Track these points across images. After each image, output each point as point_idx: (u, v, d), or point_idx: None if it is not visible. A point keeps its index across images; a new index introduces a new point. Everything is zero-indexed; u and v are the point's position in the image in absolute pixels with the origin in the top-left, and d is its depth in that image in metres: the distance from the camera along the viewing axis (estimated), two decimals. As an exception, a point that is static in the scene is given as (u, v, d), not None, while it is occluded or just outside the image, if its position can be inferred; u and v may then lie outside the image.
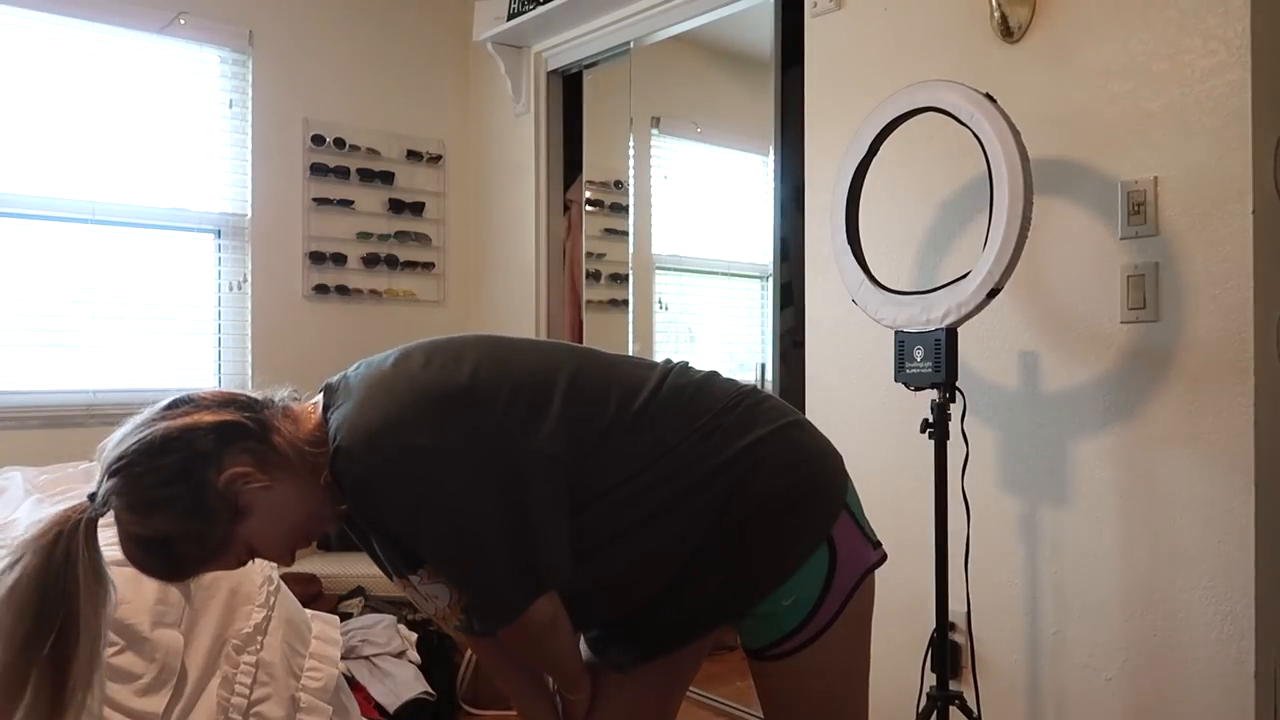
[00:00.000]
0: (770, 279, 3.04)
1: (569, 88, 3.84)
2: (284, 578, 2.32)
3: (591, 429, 1.19)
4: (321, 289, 3.80)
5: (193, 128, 3.56)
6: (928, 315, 1.94)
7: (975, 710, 2.07)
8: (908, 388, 2.02)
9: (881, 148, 2.11)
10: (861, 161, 2.11)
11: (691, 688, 3.10)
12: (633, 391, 1.24)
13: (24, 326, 3.25)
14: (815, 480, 1.27)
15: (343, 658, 2.41)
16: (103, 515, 1.17)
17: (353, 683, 2.62)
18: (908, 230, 2.44)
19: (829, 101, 2.65)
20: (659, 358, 3.50)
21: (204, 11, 3.54)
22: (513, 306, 3.96)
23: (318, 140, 3.78)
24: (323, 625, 2.18)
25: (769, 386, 3.04)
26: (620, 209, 3.63)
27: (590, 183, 3.78)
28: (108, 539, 1.96)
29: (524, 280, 3.90)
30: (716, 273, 3.52)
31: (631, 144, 3.51)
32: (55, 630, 1.12)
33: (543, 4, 3.46)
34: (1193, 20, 1.93)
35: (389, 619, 2.93)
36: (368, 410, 1.15)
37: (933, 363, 1.94)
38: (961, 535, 2.18)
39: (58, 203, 3.29)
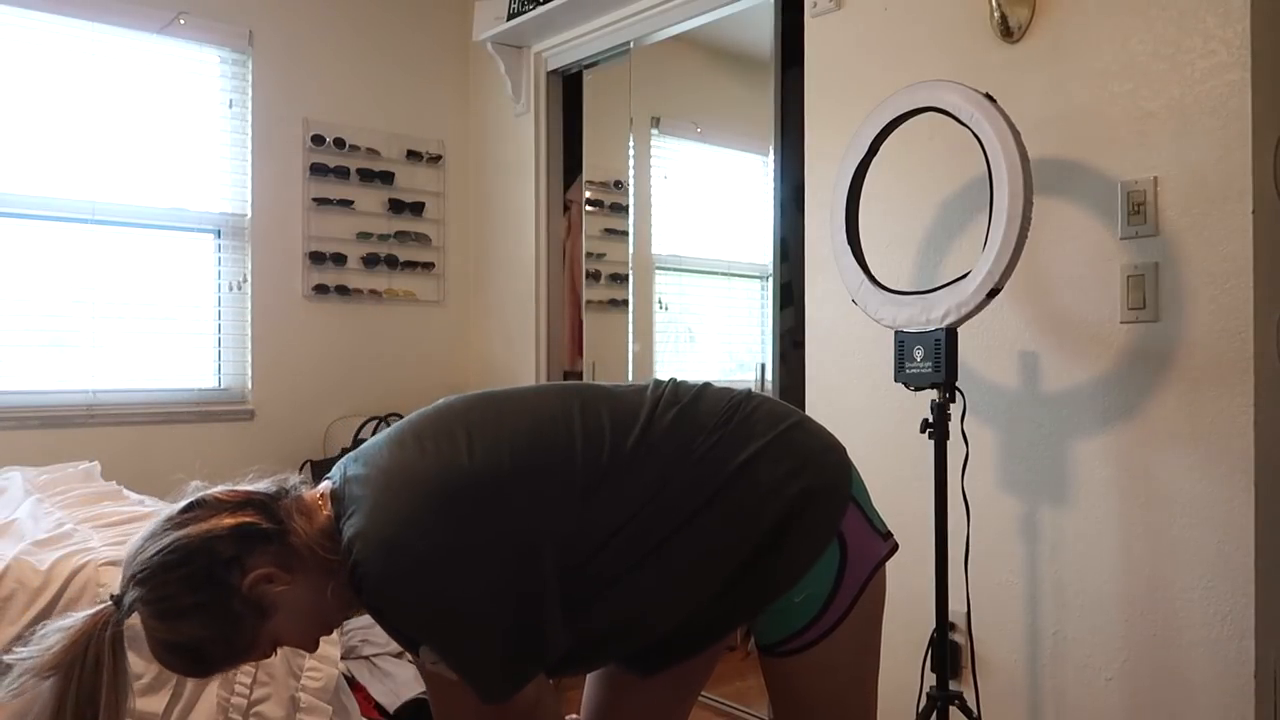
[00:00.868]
0: (770, 279, 3.04)
1: (569, 88, 3.84)
2: (284, 578, 2.32)
3: (593, 475, 1.19)
4: (321, 289, 3.80)
5: (192, 128, 3.56)
6: (928, 315, 1.94)
7: (975, 710, 2.07)
8: (907, 388, 2.02)
9: (881, 148, 2.11)
10: (861, 161, 2.11)
11: (691, 688, 3.10)
12: (627, 426, 1.23)
13: (24, 326, 3.25)
14: (818, 481, 1.27)
15: (342, 658, 2.41)
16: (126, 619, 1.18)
17: (352, 683, 2.62)
18: (908, 230, 2.44)
19: (829, 101, 2.65)
20: (659, 358, 3.52)
21: (204, 11, 3.54)
22: (512, 306, 3.96)
23: (318, 140, 3.78)
24: (322, 625, 2.17)
25: (769, 387, 3.04)
26: (620, 209, 3.63)
27: (590, 183, 3.78)
28: (108, 539, 1.96)
29: (524, 280, 3.90)
30: (716, 273, 3.52)
31: (631, 144, 3.51)
32: None
33: (543, 4, 3.46)
34: (1192, 20, 1.93)
35: (389, 619, 2.93)
36: (379, 521, 1.15)
37: (932, 363, 1.94)
38: (961, 535, 2.18)
39: (58, 203, 3.29)
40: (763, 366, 3.10)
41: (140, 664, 1.85)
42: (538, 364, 3.84)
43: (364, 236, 3.90)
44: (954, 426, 2.05)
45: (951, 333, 1.93)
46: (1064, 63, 2.13)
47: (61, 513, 2.24)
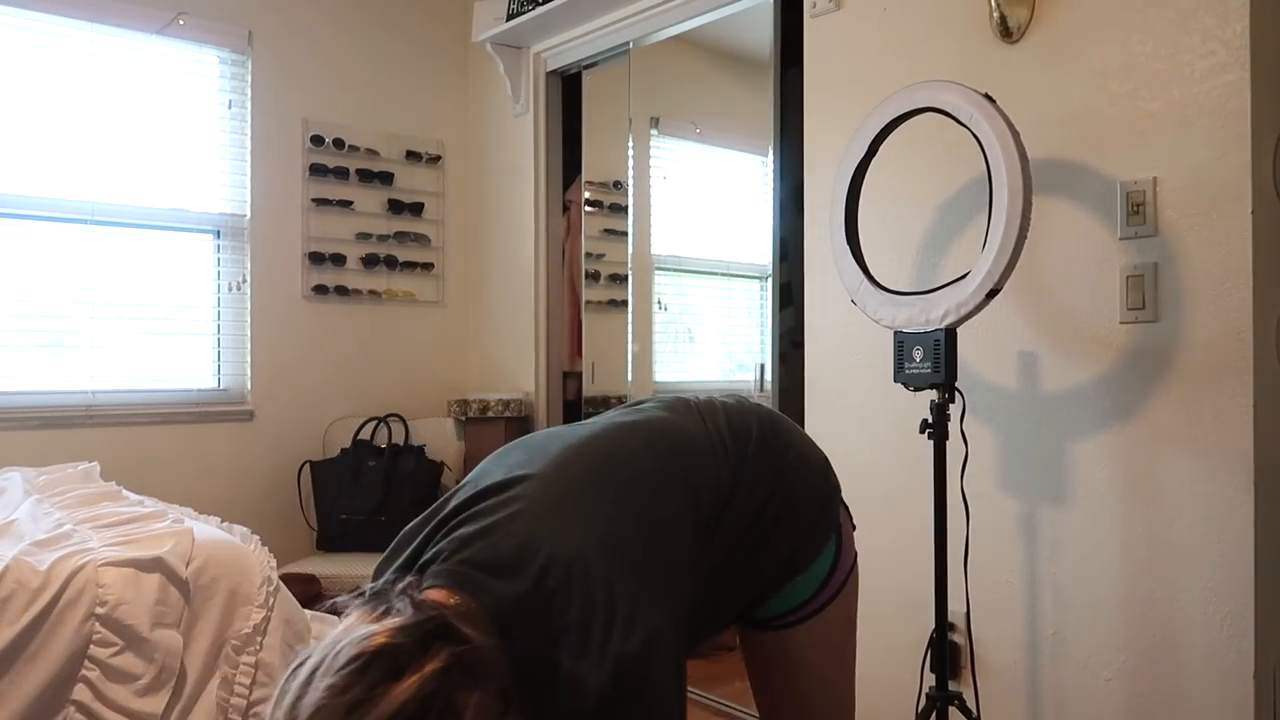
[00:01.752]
0: (769, 279, 3.04)
1: (568, 88, 3.84)
2: (283, 578, 2.32)
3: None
4: (321, 289, 3.80)
5: (192, 128, 3.56)
6: (927, 315, 1.94)
7: (975, 711, 2.07)
8: (907, 388, 2.02)
9: (881, 148, 2.11)
10: (861, 162, 2.11)
11: (691, 688, 3.10)
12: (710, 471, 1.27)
13: (24, 327, 3.25)
14: (834, 476, 1.41)
15: (342, 658, 2.40)
16: None
17: (352, 683, 2.61)
18: (907, 230, 2.44)
19: (828, 102, 2.65)
20: (658, 358, 3.52)
21: (203, 12, 3.54)
22: (512, 307, 3.96)
23: (317, 141, 3.78)
24: (322, 626, 2.17)
25: (768, 387, 3.04)
26: (619, 209, 3.63)
27: (589, 183, 3.78)
28: (108, 540, 1.96)
29: (523, 281, 3.90)
30: (716, 273, 3.52)
31: (631, 144, 3.51)
32: None
33: (542, 4, 3.46)
34: (1192, 21, 1.93)
35: (388, 619, 2.93)
36: (621, 631, 1.02)
37: (932, 363, 1.94)
38: (961, 535, 2.18)
39: (57, 203, 3.29)
40: (762, 367, 3.10)
41: (140, 664, 1.85)
42: (537, 364, 3.84)
43: (363, 237, 3.90)
44: (953, 427, 2.05)
45: (951, 333, 1.93)
46: (1063, 63, 2.13)
47: (61, 513, 2.24)
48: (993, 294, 1.85)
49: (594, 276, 3.77)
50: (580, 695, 1.01)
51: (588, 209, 3.78)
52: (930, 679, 2.04)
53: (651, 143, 3.54)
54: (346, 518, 3.53)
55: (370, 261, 3.91)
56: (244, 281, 3.66)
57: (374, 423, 3.73)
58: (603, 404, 3.70)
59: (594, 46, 3.56)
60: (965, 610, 2.16)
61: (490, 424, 3.66)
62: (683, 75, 3.50)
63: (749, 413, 1.36)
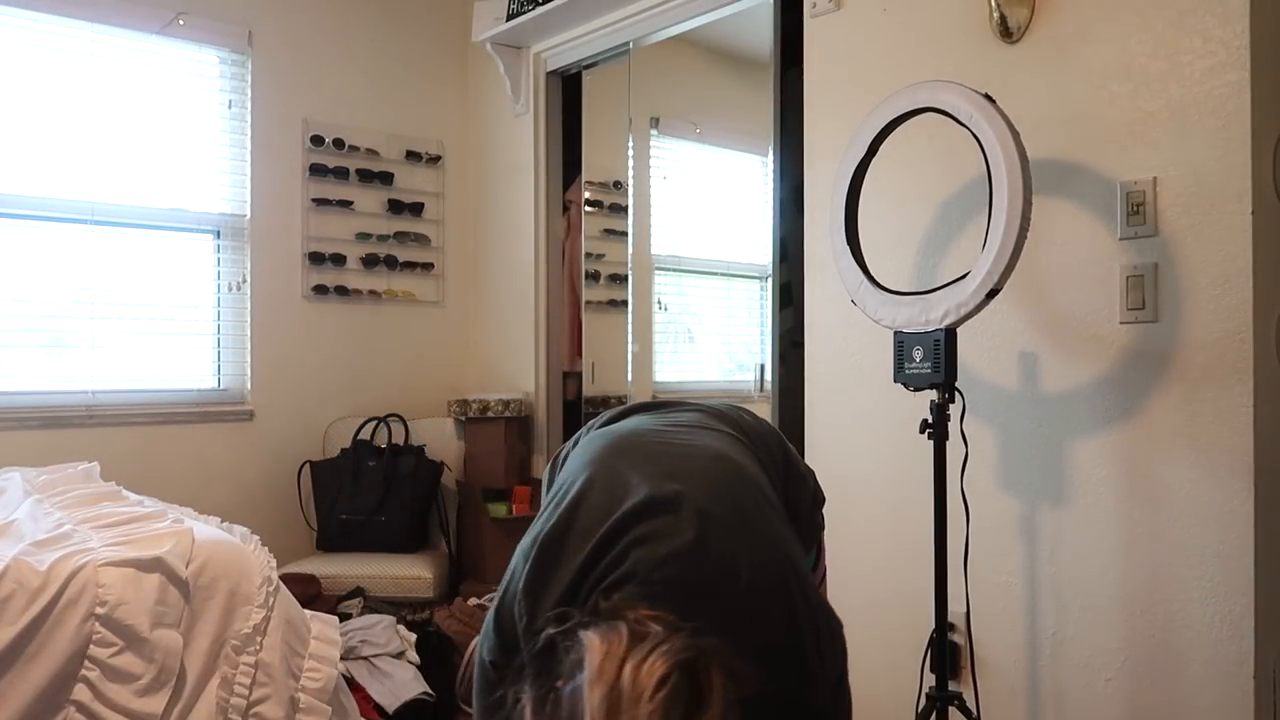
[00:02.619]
0: (769, 279, 3.04)
1: (568, 88, 3.84)
2: (283, 578, 2.33)
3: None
4: (321, 289, 3.80)
5: (192, 128, 3.56)
6: (927, 316, 1.94)
7: (974, 711, 2.07)
8: (907, 388, 2.02)
9: (881, 148, 2.11)
10: (861, 162, 2.11)
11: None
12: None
13: (24, 327, 3.25)
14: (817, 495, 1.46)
15: (342, 658, 2.41)
16: None
17: (352, 683, 2.62)
18: (907, 231, 2.44)
19: (828, 102, 2.65)
20: (658, 358, 3.52)
21: (203, 12, 3.54)
22: (512, 307, 3.96)
23: (317, 141, 3.78)
24: (322, 626, 2.17)
25: (768, 387, 3.04)
26: (619, 209, 3.63)
27: (589, 183, 3.78)
28: (108, 540, 1.96)
29: (523, 281, 3.90)
30: (716, 273, 3.52)
31: (631, 144, 3.51)
32: None
33: (542, 4, 3.46)
34: (1192, 21, 1.93)
35: (388, 619, 2.94)
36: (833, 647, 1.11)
37: (932, 363, 1.94)
38: (961, 536, 2.18)
39: (57, 203, 3.29)
40: (762, 367, 3.10)
41: (139, 664, 1.85)
42: (537, 364, 3.84)
43: (363, 237, 3.90)
44: (953, 427, 2.05)
45: (951, 333, 1.93)
46: (1063, 63, 2.13)
47: (61, 513, 2.24)
48: (993, 294, 1.85)
49: (594, 276, 3.77)
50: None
51: (588, 209, 3.78)
52: (930, 679, 2.04)
53: (651, 143, 3.54)
54: (346, 518, 3.53)
55: (370, 261, 3.91)
56: (244, 281, 3.66)
57: (374, 423, 3.73)
58: (602, 404, 3.70)
59: (594, 46, 3.56)
60: (965, 610, 2.16)
61: (490, 424, 3.66)
62: (683, 75, 3.50)
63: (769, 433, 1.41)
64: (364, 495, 3.54)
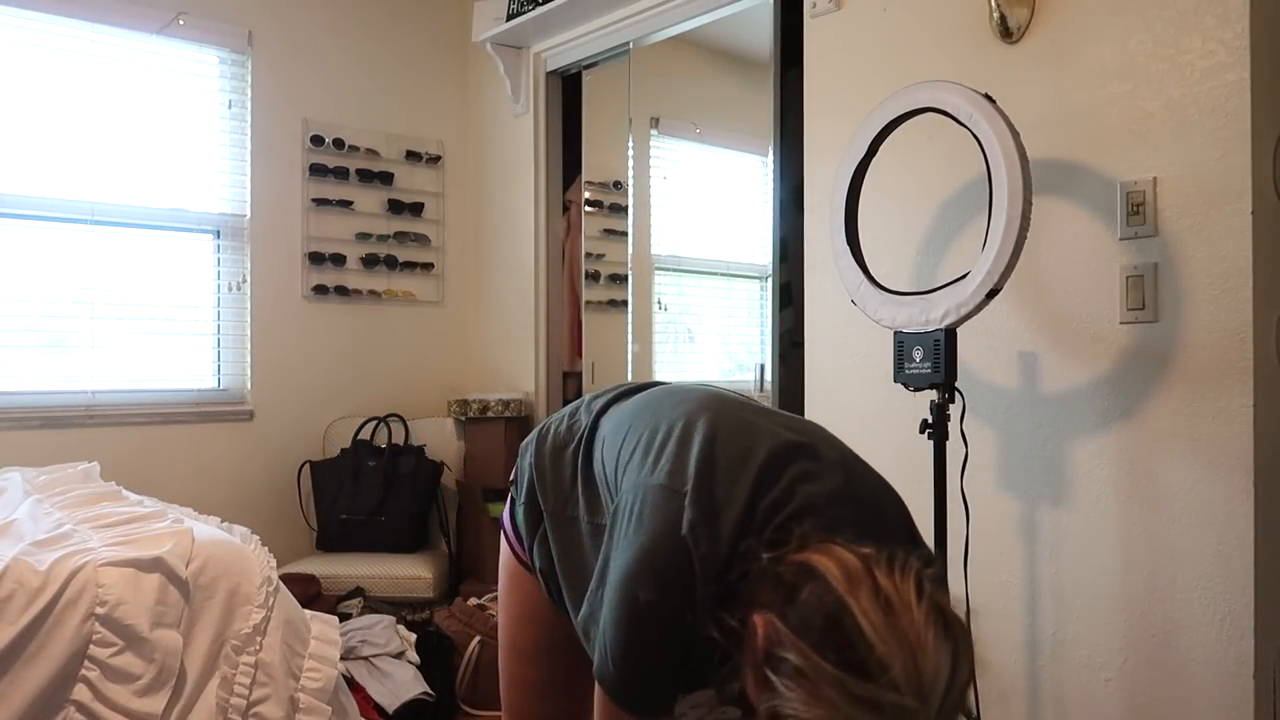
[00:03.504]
0: (769, 279, 3.04)
1: (568, 88, 3.84)
2: (283, 578, 2.33)
3: None
4: (320, 289, 3.80)
5: (192, 128, 3.56)
6: (927, 316, 1.94)
7: (974, 711, 2.07)
8: (907, 388, 2.02)
9: (881, 148, 2.11)
10: (861, 162, 2.11)
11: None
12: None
13: (24, 327, 3.25)
14: None
15: (342, 658, 2.41)
16: None
17: (352, 683, 2.62)
18: (907, 231, 2.44)
19: (828, 102, 2.65)
20: (658, 358, 3.52)
21: (203, 12, 3.54)
22: (512, 307, 3.96)
23: (317, 141, 3.78)
24: (322, 626, 2.17)
25: (768, 387, 3.04)
26: (619, 209, 3.63)
27: (589, 183, 3.78)
28: (108, 540, 1.96)
29: (523, 281, 3.90)
30: (716, 273, 3.52)
31: (631, 144, 3.51)
32: None
33: (542, 4, 3.46)
34: (1192, 21, 1.93)
35: (388, 619, 2.94)
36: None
37: (932, 363, 1.94)
38: (961, 536, 2.18)
39: (57, 203, 3.29)
40: (762, 367, 3.10)
41: (139, 664, 1.85)
42: (537, 364, 3.84)
43: (363, 237, 3.90)
44: (953, 427, 2.05)
45: (951, 333, 1.93)
46: (1063, 63, 2.13)
47: (61, 513, 2.24)
48: (993, 294, 1.85)
49: (594, 276, 3.77)
50: None
51: (588, 209, 3.78)
52: (930, 679, 2.03)
53: (651, 143, 3.54)
54: (346, 518, 3.53)
55: (370, 261, 3.91)
56: (244, 281, 3.66)
57: (374, 423, 3.73)
58: (603, 404, 3.69)
59: (594, 46, 3.56)
60: (965, 610, 2.16)
61: (490, 424, 3.66)
62: (683, 75, 3.50)
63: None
64: (364, 495, 3.54)
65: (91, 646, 1.83)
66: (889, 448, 2.47)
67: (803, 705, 0.91)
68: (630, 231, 3.52)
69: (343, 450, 3.68)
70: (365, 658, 2.77)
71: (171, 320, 3.54)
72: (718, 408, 1.22)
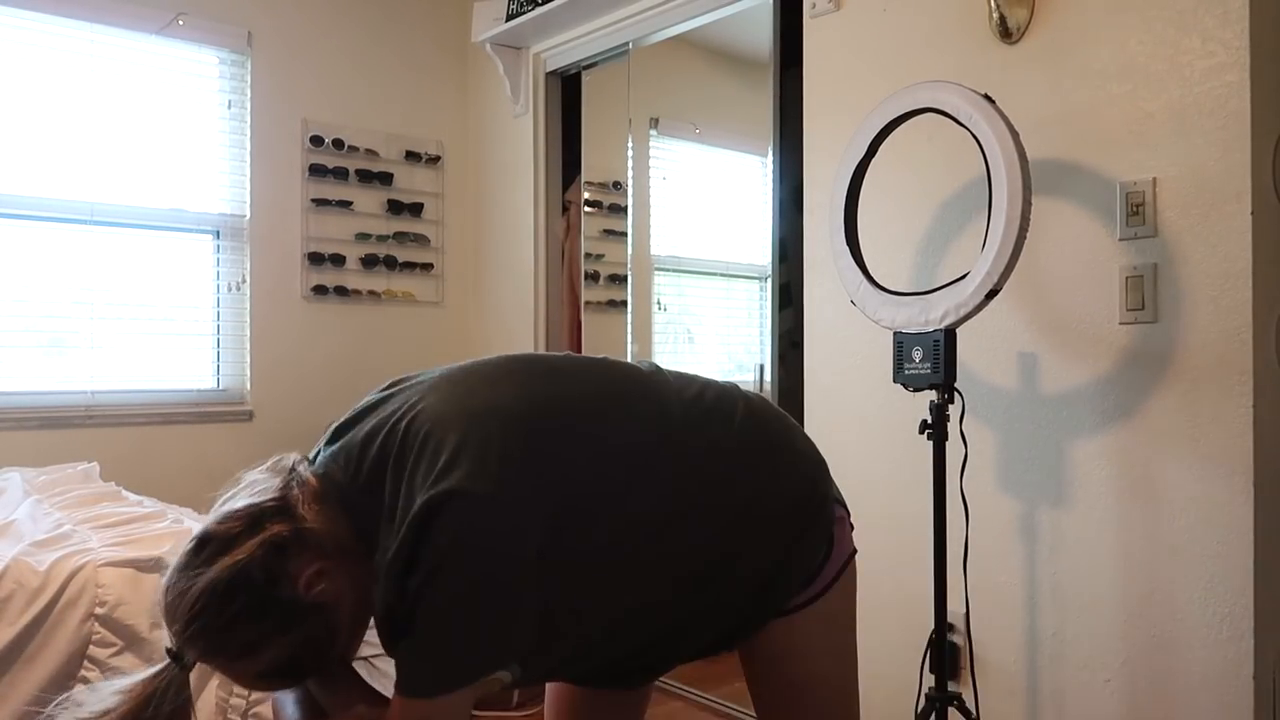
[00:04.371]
0: (769, 280, 3.04)
1: (568, 88, 3.84)
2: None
3: (650, 450, 1.20)
4: (320, 290, 3.80)
5: (191, 129, 3.56)
6: (926, 316, 1.94)
7: (974, 711, 2.07)
8: (906, 388, 2.02)
9: (880, 148, 2.11)
10: (860, 162, 2.11)
11: (690, 688, 3.10)
12: (670, 410, 1.23)
13: (23, 327, 3.25)
14: (827, 485, 1.33)
15: (341, 659, 2.40)
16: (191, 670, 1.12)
17: (351, 684, 2.61)
18: (906, 231, 2.44)
19: (828, 102, 2.65)
20: (657, 359, 3.51)
21: (202, 12, 3.54)
22: (511, 307, 3.96)
23: (316, 141, 3.78)
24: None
25: (768, 388, 3.04)
26: (619, 210, 3.63)
27: (589, 183, 3.78)
28: (107, 540, 1.95)
29: (523, 281, 3.90)
30: (715, 274, 3.52)
31: (630, 145, 3.52)
32: None
33: (541, 5, 3.46)
34: (1191, 21, 1.93)
35: (388, 620, 2.93)
36: (441, 474, 1.09)
37: (931, 363, 1.94)
38: (960, 536, 2.18)
39: (57, 204, 3.29)
40: (761, 367, 3.10)
41: (139, 664, 1.85)
42: (537, 365, 3.83)
43: (363, 237, 3.90)
44: (953, 427, 2.05)
45: (950, 333, 1.93)
46: (1063, 64, 2.13)
47: (60, 513, 2.24)
48: (992, 294, 1.86)
49: (593, 277, 3.77)
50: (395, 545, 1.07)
51: (587, 209, 3.78)
52: (929, 679, 2.04)
53: (651, 143, 3.54)
54: (346, 518, 3.53)
55: (370, 262, 3.91)
56: (243, 282, 3.66)
57: (373, 423, 3.72)
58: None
59: (593, 47, 3.56)
60: (965, 611, 2.16)
61: (490, 424, 3.66)
62: (682, 75, 3.50)
63: (734, 395, 1.29)
64: (363, 495, 3.53)
65: (91, 647, 1.83)
66: (889, 448, 2.47)
67: None
68: (630, 232, 3.53)
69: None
70: (365, 658, 2.76)
71: (171, 320, 3.54)
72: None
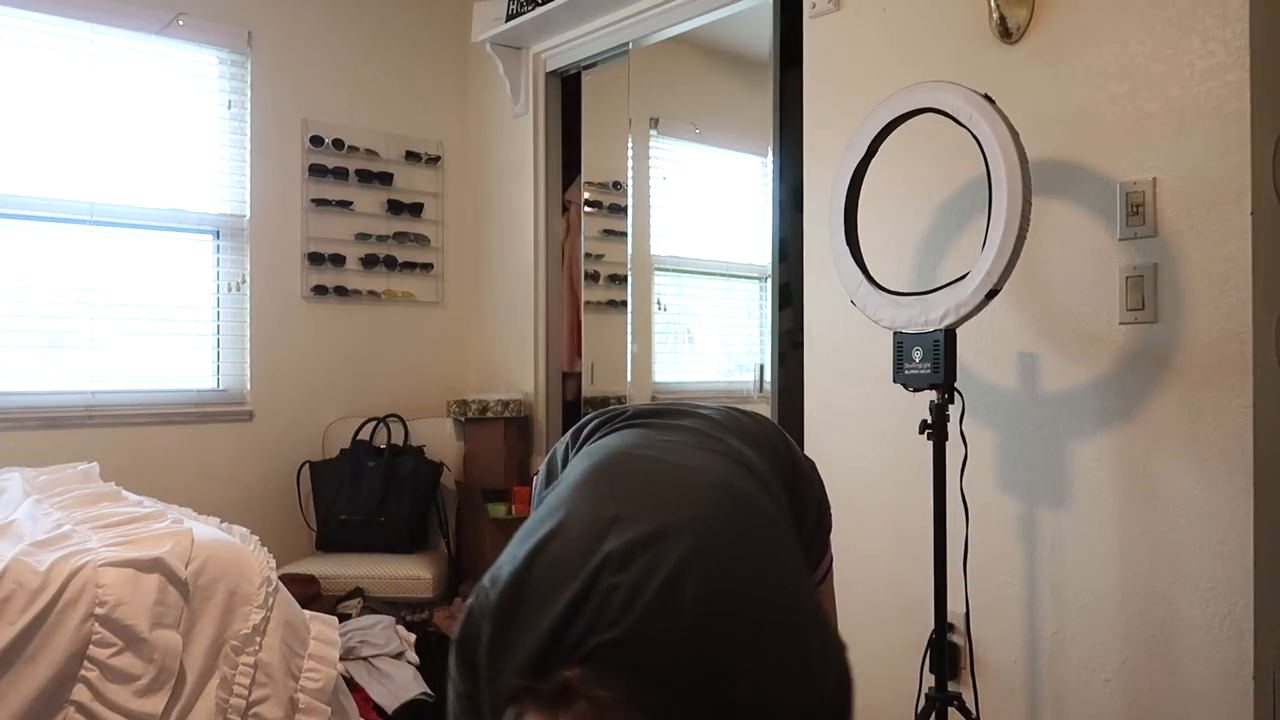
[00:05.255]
0: (769, 280, 3.04)
1: (568, 88, 3.84)
2: (283, 578, 2.33)
3: None
4: (320, 290, 3.80)
5: (191, 129, 3.56)
6: (926, 316, 1.94)
7: (974, 711, 2.07)
8: (906, 389, 2.02)
9: (880, 149, 2.11)
10: (860, 162, 2.11)
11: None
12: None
13: (24, 327, 3.25)
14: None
15: (341, 659, 2.41)
16: None
17: (351, 684, 2.61)
18: (906, 231, 2.44)
19: (828, 102, 2.65)
20: (657, 359, 3.51)
21: (203, 12, 3.54)
22: (511, 307, 3.96)
23: (316, 141, 3.78)
24: (321, 626, 2.17)
25: (768, 388, 3.04)
26: (619, 210, 3.63)
27: (589, 184, 3.78)
28: (107, 540, 1.95)
29: (522, 281, 3.90)
30: (715, 274, 3.52)
31: (630, 145, 3.51)
32: None
33: (541, 5, 3.46)
34: (1191, 21, 1.93)
35: (387, 620, 2.93)
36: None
37: (931, 364, 1.94)
38: (960, 536, 2.18)
39: (57, 204, 3.29)
40: (761, 367, 3.10)
41: (139, 664, 1.85)
42: (536, 365, 3.84)
43: (363, 237, 3.90)
44: (953, 427, 2.05)
45: (950, 334, 1.93)
46: (1063, 64, 2.13)
47: (60, 513, 2.24)
48: (992, 294, 1.85)
49: (593, 277, 3.77)
50: None
51: (587, 209, 3.78)
52: (930, 679, 2.04)
53: (651, 143, 3.54)
54: (346, 518, 3.53)
55: (370, 262, 3.91)
56: (243, 282, 3.66)
57: (373, 423, 3.73)
58: (602, 404, 3.69)
59: (593, 47, 3.56)
60: (965, 611, 2.16)
61: (490, 424, 3.66)
62: (682, 75, 3.50)
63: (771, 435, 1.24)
64: (363, 496, 3.54)
65: (91, 647, 1.83)
66: (888, 448, 2.47)
67: None
68: (630, 232, 3.53)
69: (342, 451, 3.67)
70: (365, 658, 2.77)
71: (171, 320, 3.54)
72: (586, 492, 0.96)
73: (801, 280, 2.72)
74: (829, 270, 2.56)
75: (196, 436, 3.53)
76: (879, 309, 2.04)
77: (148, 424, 3.43)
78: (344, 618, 2.92)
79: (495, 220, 4.06)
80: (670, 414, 1.24)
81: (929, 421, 1.99)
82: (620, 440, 1.12)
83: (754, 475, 1.05)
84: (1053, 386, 2.15)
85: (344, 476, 3.59)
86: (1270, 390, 1.88)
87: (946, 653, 2.03)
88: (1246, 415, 1.85)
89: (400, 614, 3.06)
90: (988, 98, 1.89)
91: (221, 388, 3.65)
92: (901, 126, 2.09)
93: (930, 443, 2.01)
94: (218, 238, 3.63)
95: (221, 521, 2.34)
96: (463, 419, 3.73)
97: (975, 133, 1.88)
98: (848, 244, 2.12)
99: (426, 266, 4.07)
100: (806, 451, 2.64)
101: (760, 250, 3.09)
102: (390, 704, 2.65)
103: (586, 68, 3.71)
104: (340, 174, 3.83)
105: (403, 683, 2.72)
